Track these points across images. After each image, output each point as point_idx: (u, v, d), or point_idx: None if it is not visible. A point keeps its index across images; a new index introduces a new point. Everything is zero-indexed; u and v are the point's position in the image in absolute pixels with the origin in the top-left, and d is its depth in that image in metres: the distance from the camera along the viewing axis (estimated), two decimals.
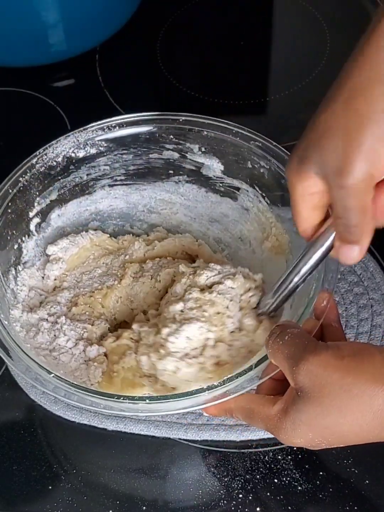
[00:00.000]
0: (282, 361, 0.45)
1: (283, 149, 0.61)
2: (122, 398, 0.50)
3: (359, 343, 0.61)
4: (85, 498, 0.58)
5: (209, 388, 0.49)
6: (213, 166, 0.66)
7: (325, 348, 0.44)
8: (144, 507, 0.57)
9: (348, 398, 0.41)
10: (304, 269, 0.50)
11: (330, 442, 0.44)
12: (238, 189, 0.66)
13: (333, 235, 0.46)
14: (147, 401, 0.50)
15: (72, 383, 0.51)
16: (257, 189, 0.65)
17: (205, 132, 0.64)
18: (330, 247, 0.47)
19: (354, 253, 0.44)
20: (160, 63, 0.90)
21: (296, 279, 0.51)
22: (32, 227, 0.64)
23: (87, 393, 0.50)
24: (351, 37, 0.92)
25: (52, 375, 0.51)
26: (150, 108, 0.67)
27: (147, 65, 0.91)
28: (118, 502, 0.57)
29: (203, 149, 0.66)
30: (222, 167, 0.66)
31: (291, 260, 0.62)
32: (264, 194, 0.64)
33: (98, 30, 0.89)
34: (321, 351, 0.43)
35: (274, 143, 0.61)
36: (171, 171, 0.69)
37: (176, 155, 0.67)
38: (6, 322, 0.55)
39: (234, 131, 0.63)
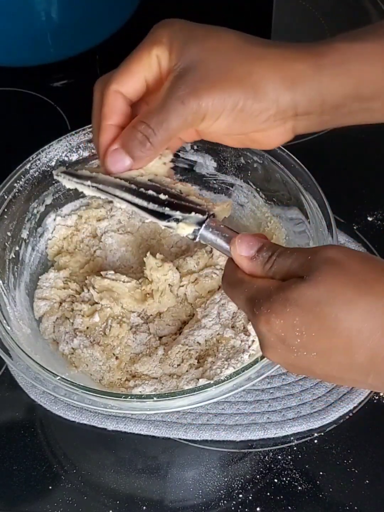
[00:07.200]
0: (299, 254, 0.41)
1: None
2: (129, 397, 0.50)
3: None
4: (85, 498, 0.58)
5: (216, 383, 0.50)
6: (206, 164, 0.66)
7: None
8: (144, 507, 0.57)
9: (364, 292, 0.38)
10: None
11: (307, 342, 0.39)
12: (232, 185, 0.67)
13: None
14: (155, 399, 0.50)
15: (76, 383, 0.51)
16: (251, 184, 0.65)
17: None
18: None
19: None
20: None
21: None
22: (28, 232, 0.64)
23: (89, 392, 0.50)
24: None
25: (58, 378, 0.51)
26: None
27: None
28: (118, 502, 0.57)
29: (195, 147, 0.65)
30: (215, 164, 0.66)
31: None
32: (258, 189, 0.65)
33: (98, 30, 0.89)
34: (339, 247, 0.41)
35: None
36: None
37: None
38: (5, 322, 0.55)
39: None
